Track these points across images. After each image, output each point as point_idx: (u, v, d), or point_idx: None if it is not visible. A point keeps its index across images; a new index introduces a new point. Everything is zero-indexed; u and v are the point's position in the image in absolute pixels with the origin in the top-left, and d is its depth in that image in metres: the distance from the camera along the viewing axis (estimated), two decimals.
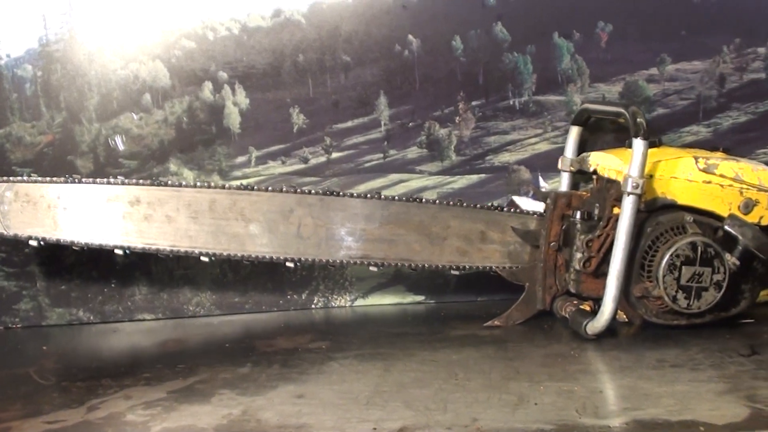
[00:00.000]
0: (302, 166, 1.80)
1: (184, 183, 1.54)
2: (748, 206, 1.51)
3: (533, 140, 1.83)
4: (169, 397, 1.27)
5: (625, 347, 1.47)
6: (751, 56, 1.86)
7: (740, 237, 1.46)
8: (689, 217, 1.48)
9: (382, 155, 1.82)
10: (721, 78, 1.86)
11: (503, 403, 1.21)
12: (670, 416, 1.13)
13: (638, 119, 1.46)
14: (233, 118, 1.77)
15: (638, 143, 1.45)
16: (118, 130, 1.75)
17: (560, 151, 1.77)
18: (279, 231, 1.55)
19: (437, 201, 1.61)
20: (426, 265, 1.61)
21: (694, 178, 1.50)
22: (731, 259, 1.47)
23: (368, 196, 1.59)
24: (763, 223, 1.52)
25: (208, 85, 1.76)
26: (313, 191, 1.56)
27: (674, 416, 1.13)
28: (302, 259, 1.56)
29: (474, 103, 1.81)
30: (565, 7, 1.83)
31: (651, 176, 1.50)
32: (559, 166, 1.72)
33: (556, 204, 1.58)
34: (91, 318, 1.78)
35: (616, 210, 1.49)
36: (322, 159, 1.80)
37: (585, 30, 1.82)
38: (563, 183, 1.72)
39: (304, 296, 1.82)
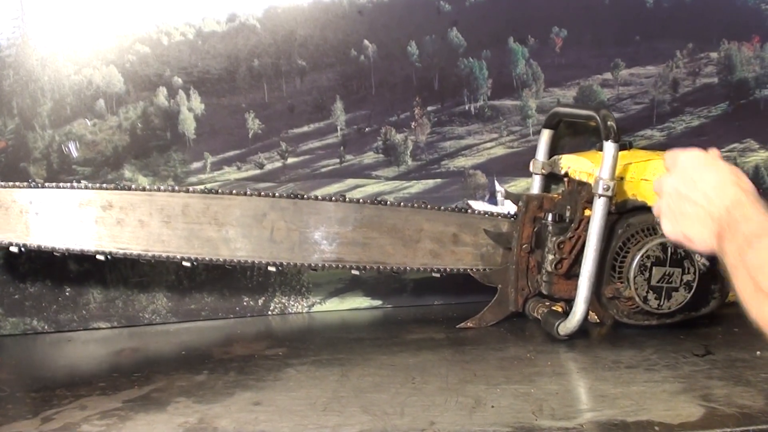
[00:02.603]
0: (258, 171, 1.79)
1: (156, 187, 1.54)
2: None
3: (489, 145, 1.84)
4: (124, 406, 1.26)
5: (581, 349, 1.48)
6: (703, 61, 1.88)
7: None
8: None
9: (338, 160, 1.81)
10: (675, 82, 1.88)
11: (460, 406, 1.21)
12: (626, 417, 1.14)
13: (609, 122, 1.48)
14: (188, 124, 1.75)
15: (609, 146, 1.47)
16: (72, 136, 1.73)
17: (516, 155, 1.79)
18: (252, 235, 1.55)
19: (410, 204, 1.62)
20: (400, 268, 1.61)
21: None
22: (701, 260, 1.48)
23: (341, 199, 1.58)
24: None
25: (162, 91, 1.74)
26: (285, 195, 1.56)
27: (630, 417, 1.14)
28: (275, 262, 1.56)
29: (430, 108, 1.82)
30: (520, 13, 1.84)
31: (622, 178, 1.51)
32: (531, 168, 1.73)
33: (527, 206, 1.59)
34: (46, 327, 1.76)
35: (587, 212, 1.51)
36: (278, 164, 1.80)
37: (540, 35, 1.83)
38: (535, 186, 1.72)
39: (260, 302, 1.81)
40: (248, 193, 1.56)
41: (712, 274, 1.51)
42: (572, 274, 1.53)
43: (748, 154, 1.90)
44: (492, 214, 1.65)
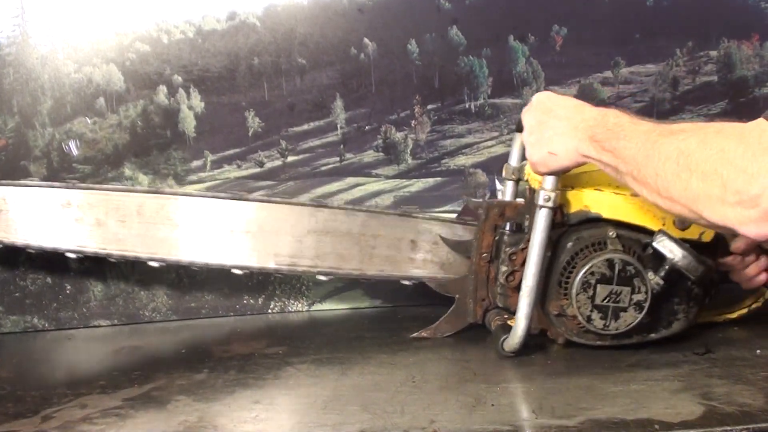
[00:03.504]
0: (258, 169, 1.79)
1: (112, 186, 1.54)
2: (685, 221, 1.40)
3: (489, 143, 1.84)
4: (125, 404, 1.26)
5: (581, 348, 1.48)
6: (703, 59, 1.88)
7: (667, 255, 1.36)
8: (612, 233, 1.39)
9: (338, 159, 1.82)
10: (675, 81, 1.88)
11: (460, 404, 1.21)
12: (626, 415, 1.14)
13: None
14: (188, 122, 1.75)
15: None
16: (72, 134, 1.73)
17: None
18: (208, 236, 1.54)
19: (366, 209, 1.58)
20: (355, 275, 1.57)
21: (621, 190, 1.41)
22: (654, 279, 1.37)
23: (296, 203, 1.56)
24: (705, 239, 1.42)
25: (162, 89, 1.74)
26: (242, 197, 1.54)
27: (630, 415, 1.14)
28: (230, 264, 1.55)
29: (430, 106, 1.82)
30: (521, 11, 1.84)
31: (572, 188, 1.43)
32: (503, 174, 1.63)
33: (488, 214, 1.49)
34: (46, 325, 1.76)
35: None
36: (278, 162, 1.80)
37: (540, 33, 1.83)
38: (507, 192, 1.62)
39: (260, 301, 1.81)
40: (205, 194, 1.55)
41: (670, 294, 1.42)
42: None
43: None
44: (452, 220, 1.59)
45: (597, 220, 1.42)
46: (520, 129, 1.43)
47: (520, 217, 1.48)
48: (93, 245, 1.53)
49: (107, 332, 1.75)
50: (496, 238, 1.50)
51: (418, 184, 1.83)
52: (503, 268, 1.46)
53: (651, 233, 1.39)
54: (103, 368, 1.48)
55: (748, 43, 1.87)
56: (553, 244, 1.40)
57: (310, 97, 1.79)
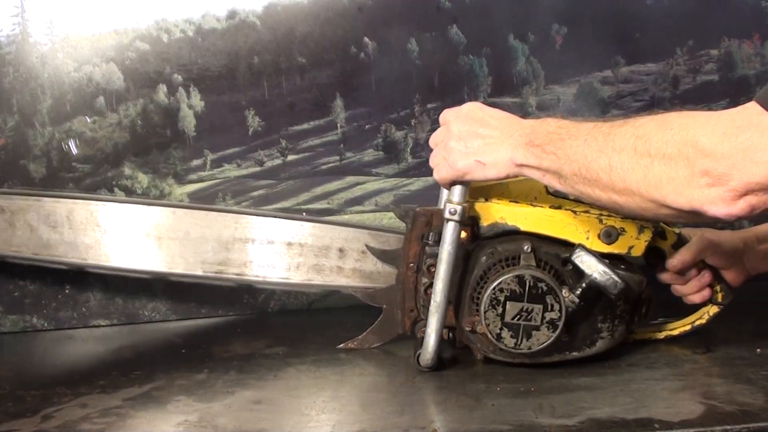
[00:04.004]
0: (258, 169, 1.79)
1: (43, 192, 1.54)
2: (611, 235, 1.33)
3: None
4: (125, 404, 1.26)
5: None
6: (703, 58, 1.88)
7: (585, 271, 1.29)
8: (527, 247, 1.32)
9: (338, 158, 1.82)
10: (675, 80, 1.88)
11: (460, 404, 1.21)
12: (626, 414, 1.14)
13: None
14: (188, 121, 1.75)
15: None
16: (72, 133, 1.73)
17: None
18: (134, 243, 1.53)
19: (293, 216, 1.57)
20: (281, 281, 1.55)
21: (540, 202, 1.36)
22: (569, 296, 1.30)
23: (219, 209, 1.56)
24: (634, 254, 1.35)
25: (162, 88, 1.74)
26: (165, 204, 1.55)
27: (630, 414, 1.14)
28: (156, 270, 1.55)
29: (430, 105, 1.82)
30: (521, 10, 1.84)
31: (487, 199, 1.37)
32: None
33: (414, 223, 1.41)
34: (46, 325, 1.76)
35: (462, 233, 1.35)
36: (278, 162, 1.80)
37: (540, 32, 1.83)
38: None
39: (260, 300, 1.81)
40: (132, 201, 1.55)
41: (592, 311, 1.34)
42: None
43: None
44: (381, 228, 1.57)
45: (514, 233, 1.35)
46: None
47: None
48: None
49: (107, 332, 1.75)
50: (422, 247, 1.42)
51: (417, 183, 1.83)
52: (424, 280, 1.40)
53: (573, 247, 1.32)
54: (102, 368, 1.48)
55: (749, 42, 1.87)
56: (467, 258, 1.36)
57: (310, 96, 1.79)
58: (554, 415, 1.15)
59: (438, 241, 1.34)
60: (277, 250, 1.54)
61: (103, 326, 1.77)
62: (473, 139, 1.24)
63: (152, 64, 1.74)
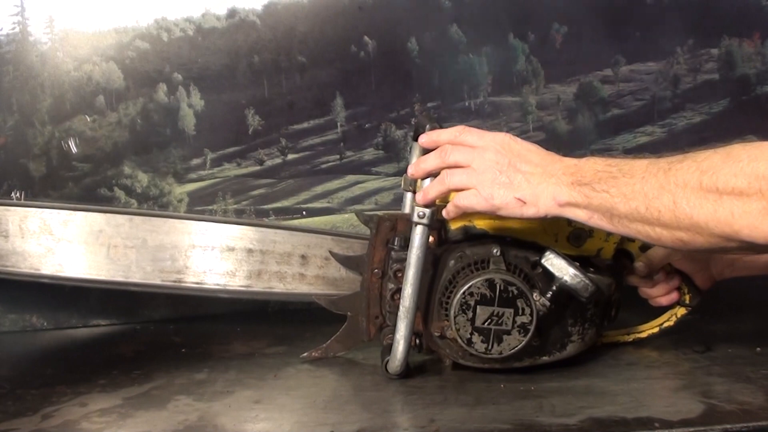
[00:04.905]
0: (258, 167, 1.79)
1: None
2: (580, 238, 1.33)
3: None
4: (125, 403, 1.26)
5: None
6: (704, 57, 1.88)
7: (556, 274, 1.27)
8: (496, 250, 1.30)
9: (338, 156, 1.82)
10: (675, 79, 1.88)
11: (460, 403, 1.21)
12: (626, 413, 1.14)
13: None
14: (188, 120, 1.75)
15: None
16: (72, 132, 1.73)
17: None
18: (90, 252, 1.50)
19: (253, 222, 1.55)
20: (242, 290, 1.53)
21: None
22: (540, 300, 1.28)
23: (174, 216, 1.54)
24: (603, 256, 1.35)
25: (162, 87, 1.74)
26: (122, 212, 1.52)
27: (630, 413, 1.14)
28: (113, 280, 1.51)
29: (430, 104, 1.82)
30: (520, 9, 1.84)
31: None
32: (402, 186, 1.44)
33: (378, 228, 1.40)
34: (45, 324, 1.76)
35: (431, 237, 1.32)
36: (278, 160, 1.80)
37: (540, 31, 1.83)
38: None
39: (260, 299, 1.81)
40: (85, 208, 1.52)
41: (563, 315, 1.33)
42: None
43: None
44: (345, 234, 1.54)
45: (483, 237, 1.33)
46: (416, 137, 1.34)
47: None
48: None
49: (106, 331, 1.75)
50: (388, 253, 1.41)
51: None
52: (390, 285, 1.38)
53: (542, 250, 1.30)
54: (103, 367, 1.47)
55: (749, 41, 1.87)
56: (436, 262, 1.34)
57: (310, 95, 1.79)
58: (554, 415, 1.15)
59: (404, 246, 1.33)
60: (238, 257, 1.52)
61: (103, 326, 1.77)
62: (513, 174, 1.17)
63: (152, 63, 1.74)
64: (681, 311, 1.45)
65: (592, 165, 1.12)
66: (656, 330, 1.47)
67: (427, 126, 1.30)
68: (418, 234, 1.27)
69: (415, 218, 1.27)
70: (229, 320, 1.77)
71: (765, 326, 1.54)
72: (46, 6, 1.69)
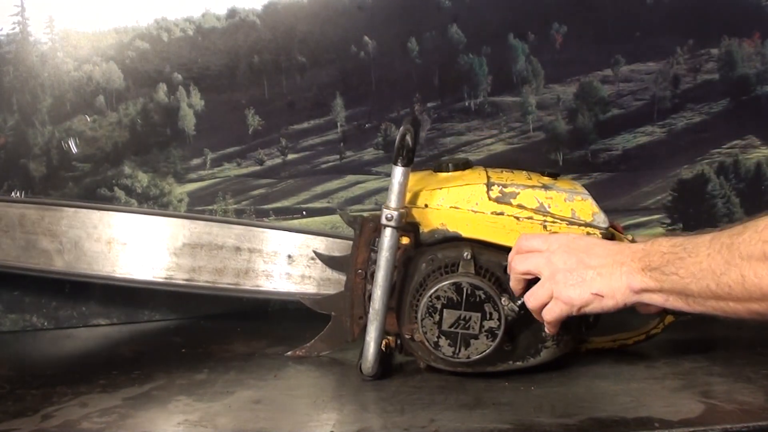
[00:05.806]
0: (258, 167, 1.79)
1: None
2: None
3: (489, 141, 1.84)
4: (125, 404, 1.26)
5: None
6: (704, 57, 1.88)
7: None
8: (467, 254, 1.29)
9: (338, 156, 1.81)
10: (675, 79, 1.88)
11: (460, 404, 1.21)
12: (626, 413, 1.14)
13: (403, 141, 1.27)
14: (188, 120, 1.75)
15: (396, 170, 1.27)
16: (72, 132, 1.73)
17: (516, 151, 1.79)
18: (85, 248, 1.53)
19: (241, 222, 1.57)
20: (231, 289, 1.56)
21: (481, 208, 1.30)
22: (508, 305, 1.27)
23: (171, 215, 1.56)
24: None
25: (162, 87, 1.74)
26: (120, 210, 1.55)
27: (630, 413, 1.14)
28: (109, 275, 1.56)
29: (430, 104, 1.82)
30: (520, 9, 1.84)
31: (427, 206, 1.33)
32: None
33: (362, 229, 1.40)
34: (45, 324, 1.76)
35: (403, 240, 1.33)
36: (278, 160, 1.80)
37: (540, 31, 1.83)
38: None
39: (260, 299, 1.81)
40: (83, 205, 1.56)
41: (532, 321, 1.29)
42: (389, 306, 1.33)
43: (750, 151, 1.89)
44: (330, 234, 1.55)
45: (456, 240, 1.31)
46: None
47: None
48: None
49: (107, 331, 1.75)
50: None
51: None
52: (369, 287, 1.37)
53: None
54: (103, 367, 1.47)
55: (749, 41, 1.87)
56: (408, 265, 1.33)
57: (310, 95, 1.79)
58: (554, 414, 1.15)
59: None
60: (225, 255, 1.54)
61: (103, 326, 1.77)
62: (584, 270, 1.18)
63: (152, 63, 1.74)
64: (669, 318, 1.42)
65: (657, 248, 1.13)
66: (643, 337, 1.44)
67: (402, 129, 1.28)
68: (386, 236, 1.28)
69: (384, 220, 1.27)
70: (229, 320, 1.77)
71: (765, 327, 1.54)
72: (46, 6, 1.68)
